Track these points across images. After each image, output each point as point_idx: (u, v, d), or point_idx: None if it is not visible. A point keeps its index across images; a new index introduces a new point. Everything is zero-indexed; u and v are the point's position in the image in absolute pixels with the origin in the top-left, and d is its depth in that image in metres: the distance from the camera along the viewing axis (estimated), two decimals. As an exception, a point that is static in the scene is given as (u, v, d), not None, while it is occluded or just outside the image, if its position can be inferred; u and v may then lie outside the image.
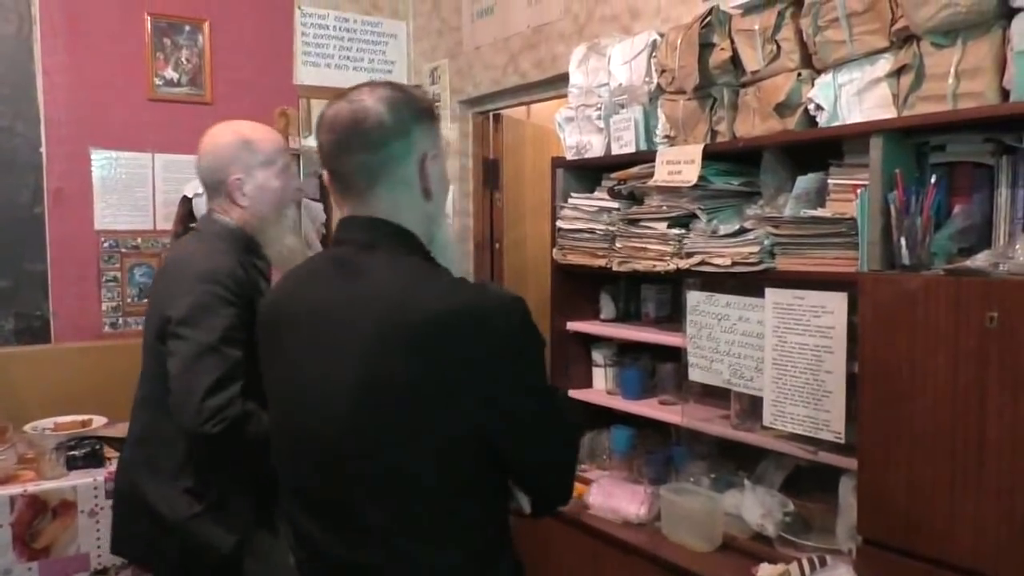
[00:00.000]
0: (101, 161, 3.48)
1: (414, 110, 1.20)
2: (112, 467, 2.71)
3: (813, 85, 1.88)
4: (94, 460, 2.74)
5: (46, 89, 3.34)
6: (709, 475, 2.27)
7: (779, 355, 1.94)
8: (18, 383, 3.19)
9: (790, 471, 2.13)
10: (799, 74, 1.91)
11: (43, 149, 3.35)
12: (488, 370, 1.08)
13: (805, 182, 1.93)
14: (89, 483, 2.64)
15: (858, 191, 1.74)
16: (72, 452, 2.72)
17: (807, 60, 1.91)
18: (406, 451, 1.08)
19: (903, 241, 1.63)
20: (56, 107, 3.36)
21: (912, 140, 1.73)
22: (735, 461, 2.29)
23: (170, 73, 3.60)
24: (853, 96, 1.80)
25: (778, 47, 1.94)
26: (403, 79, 4.12)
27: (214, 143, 1.86)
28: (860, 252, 1.74)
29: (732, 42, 2.05)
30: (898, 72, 1.70)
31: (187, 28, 3.62)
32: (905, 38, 1.69)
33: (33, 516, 2.54)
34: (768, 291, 1.96)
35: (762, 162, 2.07)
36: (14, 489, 2.54)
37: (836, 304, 1.80)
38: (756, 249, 1.97)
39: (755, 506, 2.05)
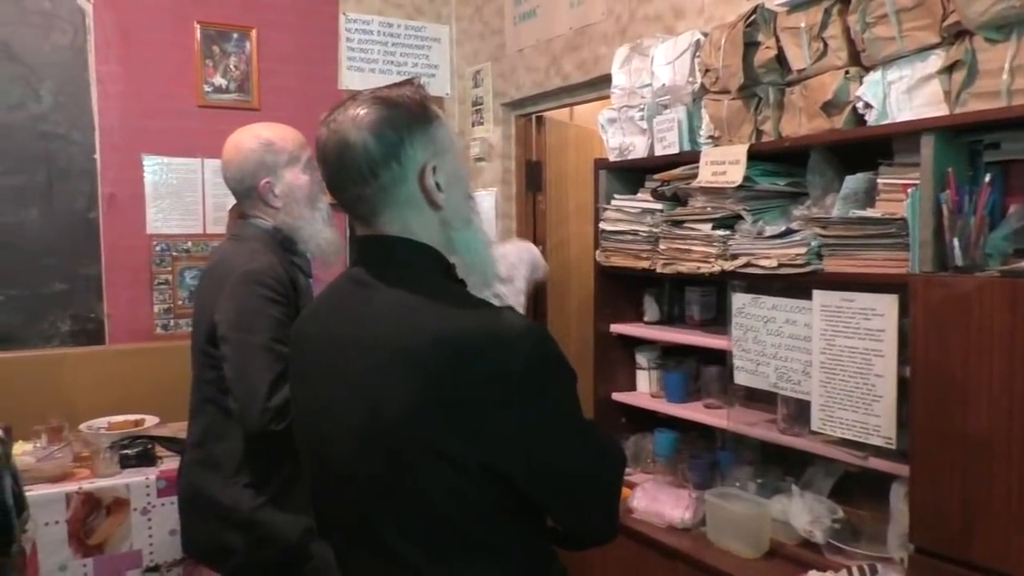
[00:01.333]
0: (153, 167, 3.56)
1: (402, 124, 1.09)
2: (164, 466, 2.78)
3: (861, 83, 1.84)
4: (146, 459, 2.80)
5: (100, 97, 3.43)
6: (755, 480, 2.23)
7: (827, 358, 1.90)
8: (74, 383, 3.28)
9: (839, 477, 2.08)
10: (847, 72, 1.87)
11: (97, 156, 3.44)
12: (489, 403, 1.00)
13: (853, 182, 1.89)
14: (141, 481, 2.70)
15: (909, 191, 1.70)
16: (125, 451, 2.79)
17: (855, 57, 1.87)
18: (418, 480, 1.02)
19: (956, 242, 1.59)
20: (110, 115, 3.45)
21: (965, 138, 1.68)
22: (782, 466, 2.25)
23: (219, 80, 3.67)
24: (903, 94, 1.76)
25: (825, 45, 1.91)
26: (446, 83, 4.16)
27: (237, 151, 1.89)
28: (911, 253, 1.69)
29: (777, 40, 2.01)
30: (950, 68, 1.66)
31: (235, 36, 3.69)
32: (957, 33, 1.65)
33: (88, 513, 2.61)
34: (816, 293, 1.92)
35: (809, 162, 2.03)
36: (70, 487, 2.61)
37: (886, 306, 1.76)
38: (803, 250, 1.93)
39: (803, 512, 2.01)
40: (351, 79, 3.83)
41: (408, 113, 1.10)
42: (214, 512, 1.83)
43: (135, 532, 2.68)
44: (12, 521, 1.67)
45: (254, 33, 3.71)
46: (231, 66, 3.69)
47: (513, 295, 1.58)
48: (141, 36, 3.49)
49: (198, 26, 3.60)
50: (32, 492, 2.37)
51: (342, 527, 1.17)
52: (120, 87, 3.47)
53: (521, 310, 1.57)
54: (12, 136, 3.27)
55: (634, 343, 2.71)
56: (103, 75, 3.43)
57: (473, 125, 4.09)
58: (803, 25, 1.93)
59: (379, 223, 1.13)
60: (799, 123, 1.99)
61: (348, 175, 1.09)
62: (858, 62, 1.87)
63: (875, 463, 1.82)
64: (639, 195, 2.53)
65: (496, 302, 1.18)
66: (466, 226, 1.18)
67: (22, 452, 2.73)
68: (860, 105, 1.85)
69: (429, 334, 1.02)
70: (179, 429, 2.77)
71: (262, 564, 1.82)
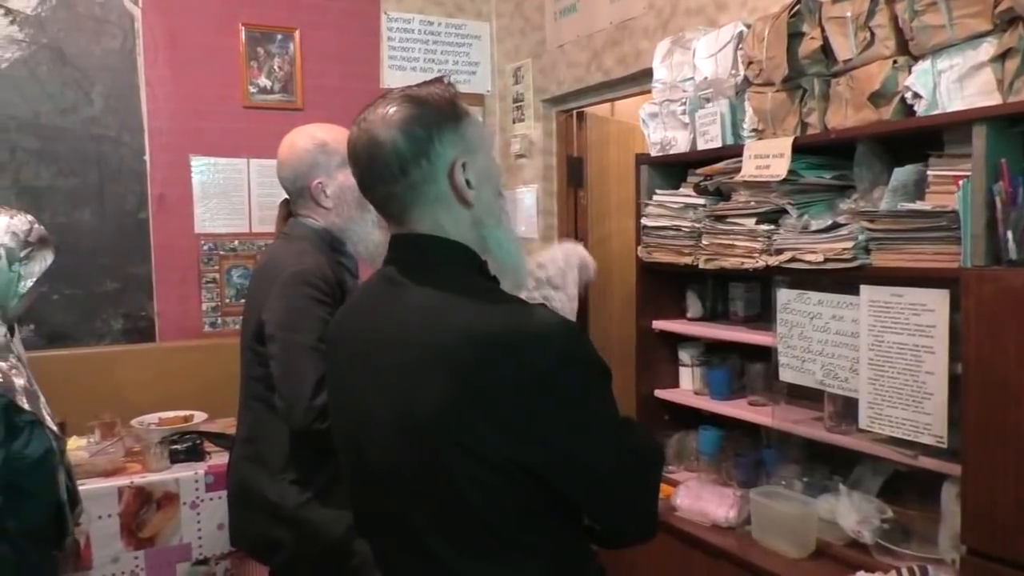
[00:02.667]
0: (200, 167, 3.62)
1: (431, 121, 1.09)
2: (212, 461, 2.83)
3: (910, 72, 1.80)
4: (195, 454, 2.85)
5: (149, 100, 3.50)
6: (801, 479, 2.20)
7: (876, 355, 1.86)
8: (125, 379, 3.36)
9: (888, 476, 2.04)
10: (895, 61, 1.82)
11: (147, 157, 3.51)
12: (521, 400, 0.99)
13: (902, 174, 1.85)
14: (191, 476, 2.75)
15: (960, 182, 1.66)
16: (175, 446, 2.84)
17: (903, 47, 1.83)
18: (452, 477, 1.02)
19: (1010, 235, 1.54)
20: (158, 117, 3.52)
21: (1018, 128, 1.63)
22: (829, 465, 2.21)
23: (263, 81, 3.72)
24: (954, 83, 1.71)
25: (872, 34, 1.86)
26: (486, 80, 4.17)
27: (292, 151, 1.92)
28: (962, 247, 1.65)
29: (823, 30, 1.98)
30: (1002, 56, 1.61)
31: (279, 37, 3.73)
32: (1010, 20, 1.60)
33: (139, 507, 2.67)
34: (863, 288, 1.88)
35: (856, 154, 1.99)
36: (122, 481, 2.67)
37: (937, 302, 1.72)
38: (850, 245, 1.90)
39: (851, 512, 1.97)
40: (392, 78, 3.86)
41: (437, 110, 1.11)
42: (261, 507, 1.87)
43: (184, 526, 2.73)
44: (66, 515, 1.71)
45: (297, 34, 3.75)
46: (275, 67, 3.74)
47: (567, 302, 1.57)
48: (188, 39, 3.56)
49: (243, 28, 3.66)
50: (85, 486, 2.43)
51: (379, 525, 1.18)
52: (168, 89, 3.53)
53: (573, 316, 1.56)
54: (65, 139, 3.36)
55: (677, 340, 2.68)
56: (152, 78, 3.50)
57: (514, 122, 4.09)
58: (849, 14, 1.89)
59: (410, 221, 1.13)
60: (845, 115, 1.95)
61: (378, 173, 1.10)
62: (906, 51, 1.83)
63: (925, 462, 1.78)
64: (681, 190, 2.51)
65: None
66: (497, 224, 1.18)
67: (76, 447, 2.80)
68: (909, 95, 1.80)
69: (460, 331, 1.02)
70: (227, 425, 2.82)
71: (308, 559, 1.85)
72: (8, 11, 3.22)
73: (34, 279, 1.79)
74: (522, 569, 1.06)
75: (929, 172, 1.78)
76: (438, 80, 1.16)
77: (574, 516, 1.12)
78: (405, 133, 1.08)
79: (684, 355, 2.67)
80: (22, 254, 1.75)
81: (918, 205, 1.77)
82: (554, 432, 1.01)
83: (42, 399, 1.69)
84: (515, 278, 1.22)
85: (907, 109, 1.83)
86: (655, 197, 2.57)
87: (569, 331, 1.04)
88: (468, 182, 1.12)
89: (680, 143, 2.50)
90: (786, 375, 2.14)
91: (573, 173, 3.90)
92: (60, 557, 1.82)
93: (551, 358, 1.00)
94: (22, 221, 1.78)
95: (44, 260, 1.82)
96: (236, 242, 3.71)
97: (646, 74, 2.80)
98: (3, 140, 3.25)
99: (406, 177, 1.09)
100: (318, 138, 1.92)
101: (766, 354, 2.26)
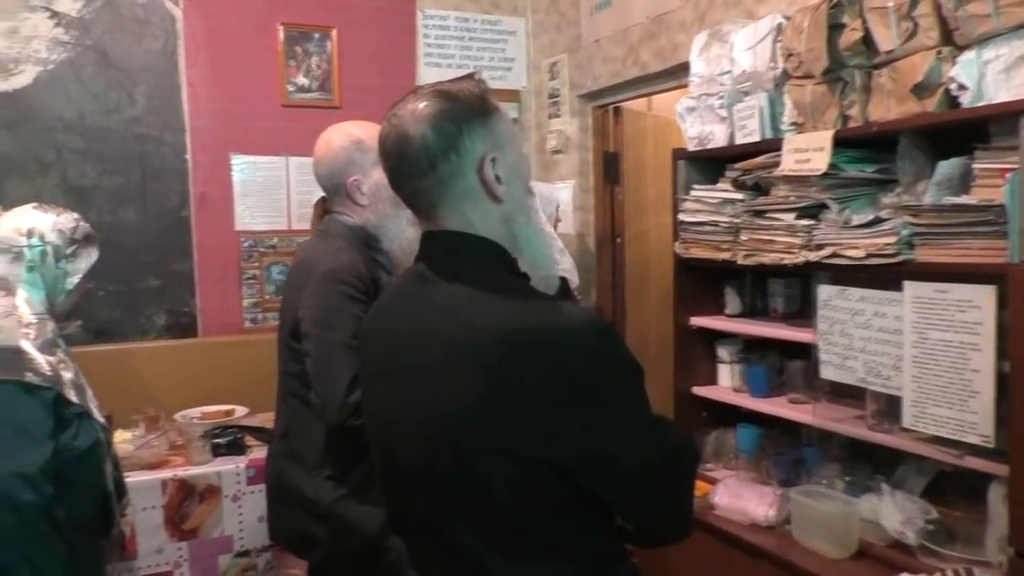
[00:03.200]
0: (240, 166, 3.67)
1: (460, 116, 1.09)
2: (252, 455, 2.87)
3: (955, 63, 1.75)
4: (236, 448, 2.90)
5: (190, 100, 3.56)
6: (843, 478, 2.16)
7: (920, 352, 1.82)
8: (169, 374, 3.43)
9: (932, 476, 2.00)
10: (939, 52, 1.78)
11: (188, 156, 3.57)
12: (550, 398, 0.98)
13: (947, 167, 1.80)
14: (232, 469, 2.80)
15: (1007, 175, 1.61)
16: (217, 440, 2.89)
17: (947, 37, 1.78)
18: (482, 476, 1.02)
19: (1060, 229, 1.50)
20: (199, 116, 3.58)
21: (1070, 118, 1.58)
22: (871, 464, 2.17)
23: (301, 79, 3.76)
24: (1000, 73, 1.67)
25: (915, 24, 1.82)
26: (522, 76, 4.16)
27: (328, 148, 1.93)
28: (1010, 241, 1.61)
29: (864, 21, 1.94)
30: (1053, 45, 1.56)
31: (316, 36, 3.77)
32: (1061, 7, 1.55)
33: (182, 499, 2.72)
34: (907, 284, 1.84)
35: (898, 147, 1.94)
36: (165, 473, 2.72)
37: (983, 298, 1.68)
38: (893, 240, 1.86)
39: (894, 512, 1.94)
40: (428, 75, 3.87)
41: (467, 105, 1.11)
42: (298, 503, 1.89)
43: (226, 518, 2.78)
44: (112, 506, 1.75)
45: (334, 33, 3.78)
46: (313, 65, 3.77)
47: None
48: (228, 39, 3.60)
49: (281, 28, 3.69)
50: (130, 478, 2.47)
51: (411, 522, 1.18)
52: (209, 89, 3.59)
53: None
54: (110, 139, 3.43)
55: (715, 336, 2.66)
56: (193, 78, 3.56)
57: (550, 117, 4.08)
58: (891, 4, 1.85)
59: (439, 217, 1.13)
60: (887, 107, 1.91)
61: (408, 168, 1.10)
62: (951, 41, 1.78)
63: (971, 462, 1.74)
64: (719, 185, 2.48)
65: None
66: (528, 221, 1.17)
67: (121, 440, 2.85)
68: (954, 87, 1.76)
69: (490, 329, 1.02)
70: (267, 419, 2.85)
71: (344, 555, 1.87)
72: (54, 14, 3.30)
73: (80, 275, 1.83)
74: (554, 567, 1.06)
75: (975, 165, 1.73)
76: (468, 76, 1.15)
77: (607, 515, 1.11)
78: (434, 128, 1.08)
79: (722, 352, 2.64)
80: (68, 251, 1.79)
81: (963, 199, 1.73)
82: (585, 431, 1.00)
83: (89, 392, 1.72)
84: (545, 275, 1.21)
85: (952, 101, 1.79)
86: (692, 192, 2.55)
87: (600, 329, 1.03)
88: (498, 177, 1.11)
89: (718, 137, 2.47)
90: (827, 372, 2.10)
91: (609, 169, 3.87)
92: (106, 546, 1.87)
93: (582, 356, 1.00)
94: (68, 219, 1.82)
95: (90, 257, 1.85)
96: (275, 239, 3.76)
97: (683, 68, 2.77)
98: (50, 140, 3.32)
99: (435, 172, 1.09)
100: (354, 135, 1.93)
101: (806, 351, 2.22)
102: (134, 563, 2.65)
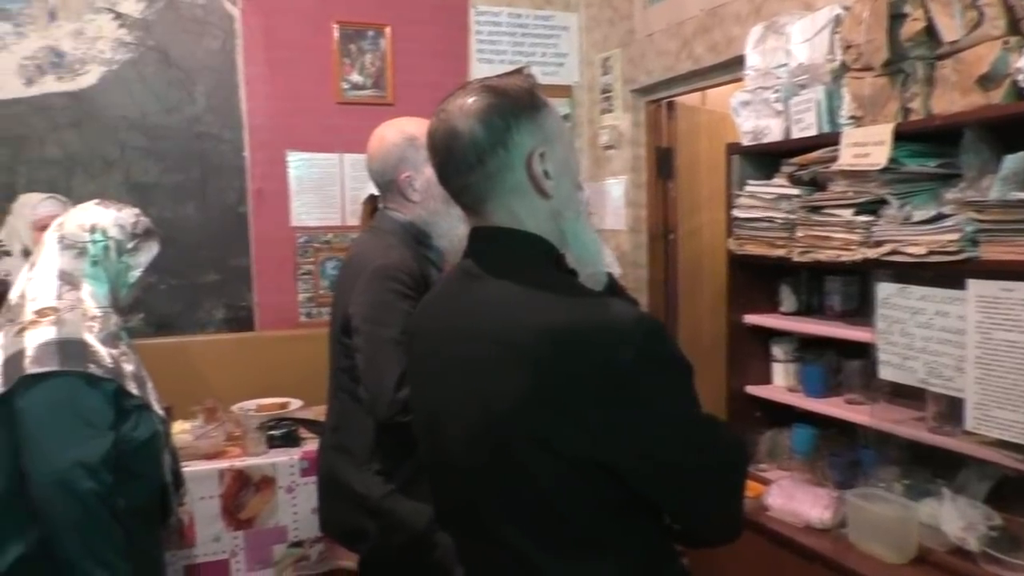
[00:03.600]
0: (296, 162, 3.74)
1: (509, 111, 1.09)
2: (306, 447, 2.92)
3: (1022, 54, 1.69)
4: (291, 440, 2.95)
5: (248, 98, 3.63)
6: (901, 481, 2.11)
7: (984, 353, 1.76)
8: (227, 367, 3.51)
9: (995, 481, 1.93)
10: (1006, 42, 1.71)
11: (246, 153, 3.64)
12: (598, 396, 0.97)
13: (1013, 162, 1.74)
14: (286, 461, 2.85)
15: (1079, 170, 1.55)
16: (272, 432, 2.95)
17: (1014, 26, 1.72)
18: (529, 473, 1.02)
19: None
20: (257, 114, 3.65)
21: None
22: (930, 467, 2.11)
23: (355, 77, 3.80)
24: (1073, 63, 1.60)
25: (980, 13, 1.76)
26: (574, 71, 4.15)
27: (381, 144, 1.95)
28: (1082, 239, 1.54)
29: (926, 11, 1.88)
30: None
31: (370, 33, 3.80)
32: None
33: (239, 489, 2.78)
34: (971, 283, 1.78)
35: (962, 141, 1.88)
36: (223, 464, 2.79)
37: (1052, 297, 1.61)
38: (956, 236, 1.80)
39: (955, 517, 1.88)
40: (481, 71, 3.87)
41: (515, 100, 1.10)
42: (348, 496, 1.91)
43: (281, 509, 2.83)
44: (170, 496, 1.79)
45: (388, 30, 3.81)
46: (367, 63, 3.81)
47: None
48: (284, 38, 3.66)
49: (336, 26, 3.74)
50: (189, 468, 2.55)
51: (459, 518, 1.19)
52: (266, 87, 3.65)
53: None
54: (171, 136, 3.52)
55: (769, 334, 2.61)
56: (250, 76, 3.63)
57: (602, 113, 4.05)
58: (956, -7, 1.79)
59: (486, 212, 1.13)
60: (951, 99, 1.85)
61: (456, 163, 1.10)
62: (1018, 31, 1.72)
63: (1038, 467, 1.68)
64: (774, 180, 2.43)
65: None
66: (577, 217, 1.16)
67: (180, 431, 2.93)
68: (1021, 78, 1.69)
69: (537, 325, 1.01)
70: (320, 412, 2.88)
71: (392, 550, 1.88)
72: (118, 15, 3.39)
73: (142, 269, 1.86)
74: (601, 566, 1.05)
75: (1044, 159, 1.67)
76: (517, 71, 1.15)
77: (655, 515, 1.10)
78: (483, 122, 1.08)
79: (777, 350, 2.59)
80: (130, 245, 1.82)
81: (1032, 194, 1.67)
82: (633, 429, 0.99)
83: (149, 384, 1.77)
84: (593, 272, 1.20)
85: (1019, 92, 1.72)
86: (747, 188, 2.50)
87: (649, 326, 1.02)
88: (546, 173, 1.11)
89: (773, 132, 2.42)
90: (886, 373, 2.05)
91: (662, 164, 3.83)
92: (164, 535, 1.91)
93: (631, 351, 0.98)
94: (129, 214, 1.86)
95: (150, 251, 1.89)
96: (330, 235, 3.81)
97: (738, 61, 2.72)
98: (114, 139, 3.43)
99: (483, 166, 1.09)
100: (407, 132, 1.94)
101: (864, 350, 2.17)
102: (192, 551, 2.72)
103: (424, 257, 1.94)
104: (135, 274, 1.85)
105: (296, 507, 2.85)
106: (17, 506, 1.52)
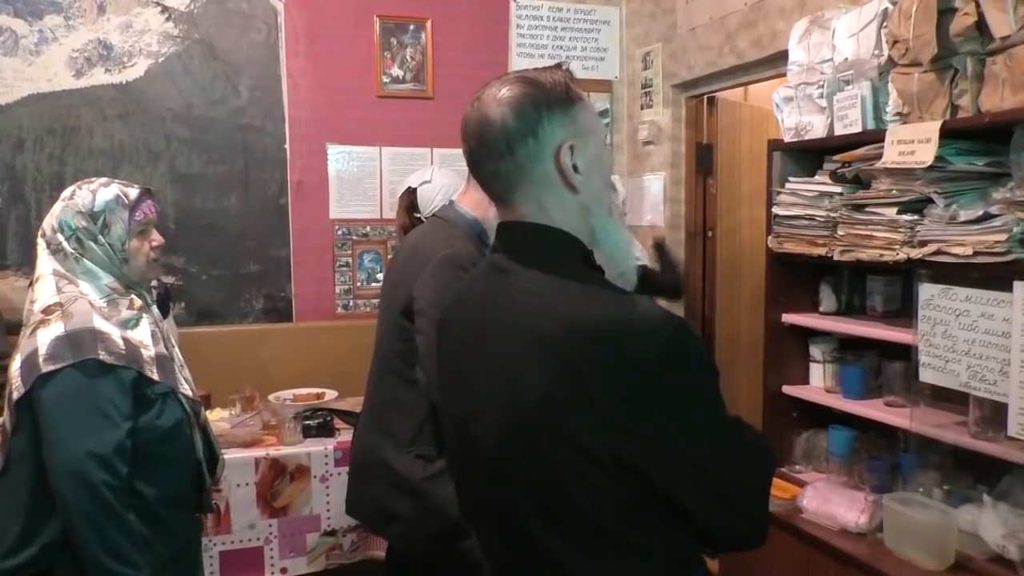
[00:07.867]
0: (336, 155, 3.77)
1: (542, 102, 1.09)
2: (340, 437, 2.95)
3: (1079, 49, 1.64)
4: (326, 430, 2.98)
5: (290, 91, 3.67)
6: (941, 487, 2.06)
7: (1029, 357, 1.71)
8: (265, 356, 3.57)
9: (1040, 488, 1.88)
10: (1061, 37, 1.67)
11: (287, 146, 3.69)
12: (623, 394, 0.97)
13: (1066, 161, 1.69)
14: (321, 451, 2.88)
15: None
16: (307, 422, 2.98)
17: (1071, 21, 1.67)
18: (555, 470, 1.01)
19: None
20: (298, 107, 3.69)
21: None
22: (972, 473, 2.06)
23: (396, 71, 3.82)
24: None
25: (1034, 8, 1.71)
26: (615, 66, 4.12)
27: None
28: None
29: (977, 5, 1.82)
30: None
31: (411, 27, 3.82)
32: None
33: (274, 478, 2.82)
34: (1017, 285, 1.73)
35: (1012, 139, 1.82)
36: (259, 452, 2.83)
37: (1103, 301, 1.56)
38: (1003, 237, 1.75)
39: (996, 525, 1.84)
40: (521, 65, 3.87)
41: (549, 92, 1.10)
42: (386, 478, 1.94)
43: (315, 498, 2.87)
44: (203, 474, 1.78)
45: (429, 24, 3.83)
46: (407, 57, 3.83)
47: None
48: (326, 32, 3.70)
49: (377, 20, 3.77)
50: (226, 455, 2.58)
51: (485, 512, 1.19)
52: (308, 81, 3.69)
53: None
54: (216, 128, 3.58)
55: (808, 334, 2.57)
56: (293, 70, 3.67)
57: (642, 108, 4.02)
58: (1009, -13, 1.74)
59: (515, 202, 1.13)
60: (1002, 96, 1.80)
61: (487, 151, 1.11)
62: (1075, 26, 1.67)
63: (1085, 476, 1.63)
64: (816, 178, 2.39)
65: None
66: (607, 214, 1.15)
67: (218, 418, 2.99)
68: (1076, 74, 1.64)
69: (564, 321, 1.01)
70: (355, 404, 2.93)
71: (424, 534, 1.90)
72: (165, 8, 3.46)
73: (128, 239, 1.73)
74: (627, 566, 1.04)
75: (1098, 159, 1.62)
76: (555, 66, 1.16)
77: (681, 516, 1.08)
78: (515, 111, 1.08)
79: (815, 351, 2.55)
80: (96, 226, 1.71)
81: (1084, 195, 1.62)
82: (657, 428, 0.98)
83: (178, 362, 1.76)
84: (623, 271, 1.19)
85: (1074, 89, 1.67)
86: (788, 185, 2.47)
87: (675, 325, 1.01)
88: (575, 167, 1.10)
89: (816, 128, 2.38)
90: (927, 376, 2.01)
91: (702, 160, 3.79)
92: (202, 521, 1.93)
93: (656, 351, 0.97)
94: (83, 196, 1.73)
95: (122, 219, 1.73)
96: (368, 228, 3.85)
97: (781, 56, 2.68)
98: (160, 130, 3.50)
99: (513, 155, 1.09)
100: None
101: (906, 352, 2.13)
102: (227, 537, 2.76)
103: (482, 255, 1.99)
104: (124, 247, 1.73)
105: (329, 496, 2.88)
106: (45, 496, 1.55)
